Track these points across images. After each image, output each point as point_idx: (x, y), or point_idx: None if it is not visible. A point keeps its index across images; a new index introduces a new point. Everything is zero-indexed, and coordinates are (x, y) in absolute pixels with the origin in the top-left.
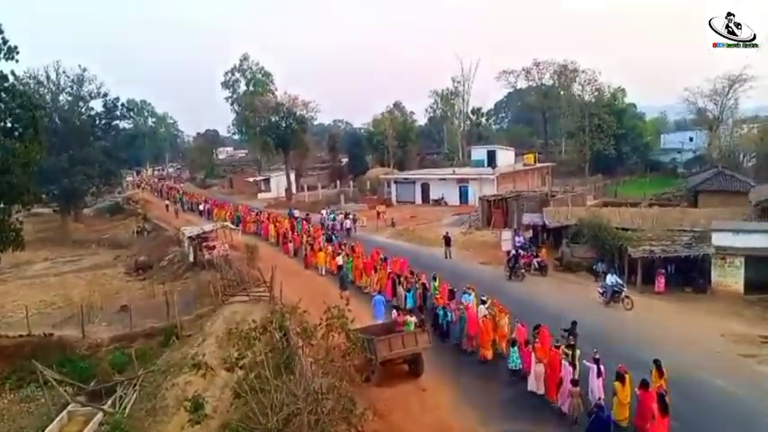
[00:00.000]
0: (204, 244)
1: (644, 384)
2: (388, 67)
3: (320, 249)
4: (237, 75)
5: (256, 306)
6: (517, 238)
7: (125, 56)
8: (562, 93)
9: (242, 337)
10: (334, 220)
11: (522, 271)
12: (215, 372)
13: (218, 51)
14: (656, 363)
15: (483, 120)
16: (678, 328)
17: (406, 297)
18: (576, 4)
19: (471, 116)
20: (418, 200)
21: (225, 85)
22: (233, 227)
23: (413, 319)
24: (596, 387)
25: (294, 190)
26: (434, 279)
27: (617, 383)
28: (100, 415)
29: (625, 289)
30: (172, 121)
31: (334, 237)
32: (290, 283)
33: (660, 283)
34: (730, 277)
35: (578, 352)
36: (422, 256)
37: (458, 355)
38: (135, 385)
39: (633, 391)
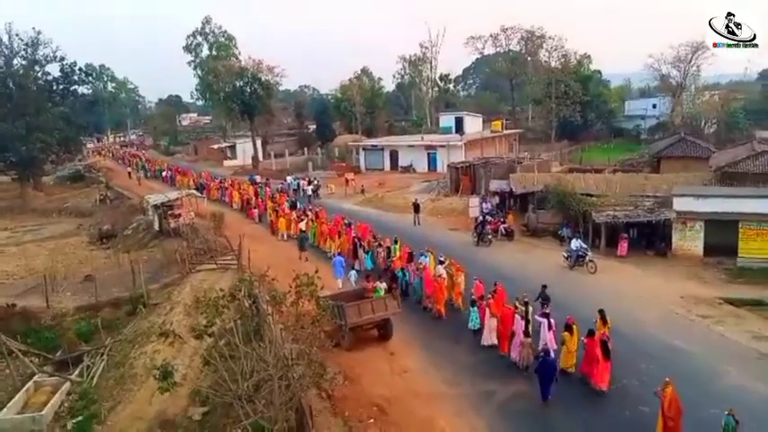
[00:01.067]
0: (169, 212)
1: (590, 333)
2: (355, 31)
3: (282, 216)
4: (200, 38)
5: (224, 274)
6: (485, 205)
7: (82, 19)
8: (529, 59)
9: (210, 305)
10: (298, 186)
11: (490, 237)
12: (183, 340)
13: (180, 13)
14: (601, 312)
15: (451, 86)
16: (639, 290)
17: (365, 259)
18: None
19: (439, 82)
20: (387, 167)
21: (187, 48)
22: (198, 195)
23: (382, 285)
24: (548, 339)
25: (261, 157)
26: (395, 243)
27: (566, 333)
28: (67, 384)
29: (589, 253)
30: (133, 87)
31: (298, 203)
32: (257, 249)
33: (623, 247)
34: (690, 241)
35: (530, 308)
36: (391, 222)
37: (425, 319)
38: (102, 354)
39: (580, 340)
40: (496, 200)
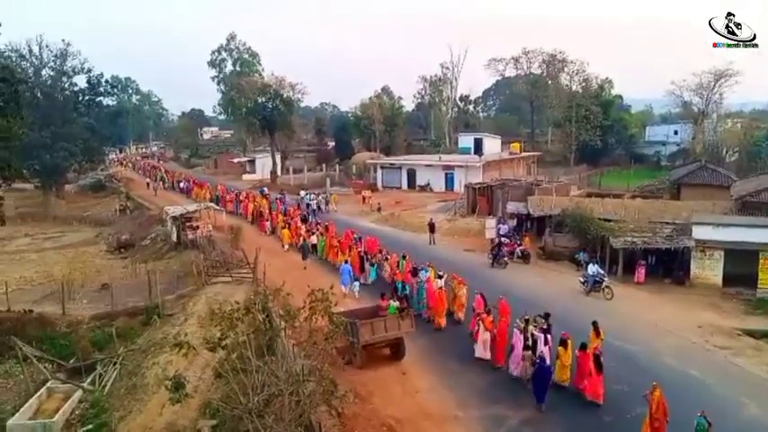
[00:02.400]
0: (188, 224)
1: (583, 347)
2: (377, 51)
3: (288, 227)
4: (224, 54)
5: (239, 287)
6: (501, 226)
7: (110, 32)
8: (550, 82)
9: (225, 318)
10: (310, 200)
11: (506, 259)
12: (197, 351)
13: (206, 30)
14: (594, 324)
15: (471, 107)
16: (656, 318)
17: (370, 272)
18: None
19: (459, 103)
20: (404, 185)
21: (211, 64)
22: (217, 207)
23: (396, 303)
24: (545, 353)
25: (279, 172)
26: (404, 258)
27: (560, 348)
28: (79, 392)
29: (606, 279)
30: (156, 99)
31: (310, 216)
32: (271, 263)
33: (640, 273)
34: (709, 270)
35: (531, 327)
36: (406, 241)
37: (437, 338)
38: (115, 363)
39: (575, 354)
40: (513, 222)
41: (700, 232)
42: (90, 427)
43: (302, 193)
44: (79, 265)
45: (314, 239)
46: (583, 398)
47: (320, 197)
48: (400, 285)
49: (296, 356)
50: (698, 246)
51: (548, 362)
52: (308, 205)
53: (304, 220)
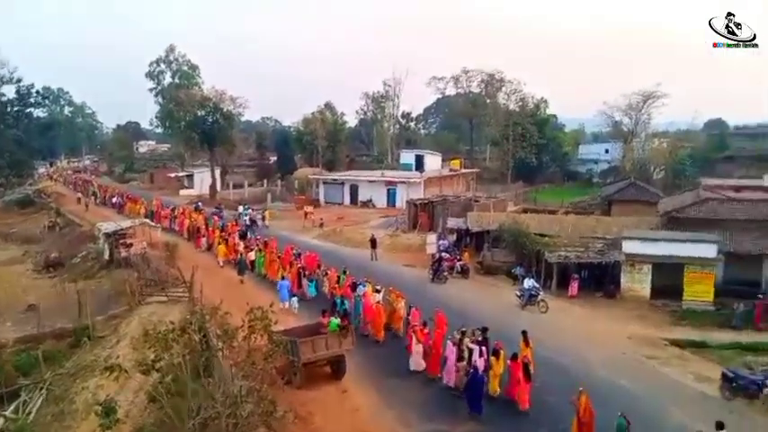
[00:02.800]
0: (121, 241)
1: (514, 357)
2: (319, 67)
3: (224, 243)
4: (163, 66)
5: (175, 307)
6: (441, 242)
7: (42, 43)
8: (488, 101)
9: (159, 339)
10: (246, 215)
11: (446, 274)
12: (129, 374)
13: (143, 42)
14: (524, 333)
15: (412, 124)
16: (588, 330)
17: (308, 287)
18: (508, 21)
19: (401, 120)
20: (347, 201)
21: (149, 76)
22: (152, 224)
23: (337, 320)
24: (479, 364)
25: (219, 187)
26: (344, 273)
27: (492, 358)
28: (1, 421)
29: (541, 293)
30: (90, 111)
31: (249, 232)
32: (208, 281)
33: (574, 287)
34: (638, 283)
35: (466, 339)
36: (348, 257)
37: (377, 354)
38: (41, 389)
39: (506, 364)
40: (453, 237)
41: (629, 247)
42: None
43: (240, 208)
44: (4, 285)
45: (252, 256)
46: (516, 408)
47: (256, 213)
48: (339, 300)
49: (234, 377)
50: (627, 260)
51: (480, 372)
52: (245, 221)
53: (243, 236)
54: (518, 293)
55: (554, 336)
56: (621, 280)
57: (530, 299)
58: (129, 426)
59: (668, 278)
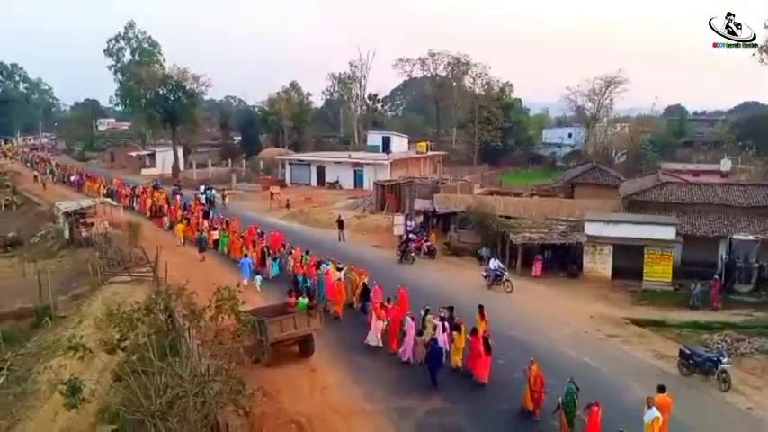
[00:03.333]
0: (82, 220)
1: (474, 331)
2: (286, 46)
3: (185, 222)
4: (122, 42)
5: (139, 287)
6: (409, 223)
7: None
8: (455, 84)
9: (124, 318)
10: (211, 196)
11: (413, 254)
12: (93, 354)
13: (102, 17)
14: (480, 307)
15: (379, 106)
16: (552, 309)
17: (272, 266)
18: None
19: (368, 101)
20: (313, 182)
21: (108, 52)
22: (113, 203)
23: (304, 300)
24: (442, 339)
25: (182, 167)
26: (307, 253)
27: (455, 333)
28: None
29: (506, 273)
30: (47, 88)
31: (211, 212)
32: (172, 260)
33: (538, 267)
34: (600, 263)
35: (429, 316)
36: (315, 238)
37: (344, 332)
38: (2, 369)
39: (467, 338)
40: (420, 219)
41: (591, 229)
42: None
43: (202, 187)
44: None
45: (215, 235)
46: (479, 384)
47: (213, 192)
48: (302, 278)
49: (201, 356)
50: (589, 241)
51: (440, 345)
52: (206, 200)
53: (206, 215)
54: (484, 274)
55: (519, 314)
56: (584, 261)
57: (495, 279)
58: (95, 405)
59: (629, 259)
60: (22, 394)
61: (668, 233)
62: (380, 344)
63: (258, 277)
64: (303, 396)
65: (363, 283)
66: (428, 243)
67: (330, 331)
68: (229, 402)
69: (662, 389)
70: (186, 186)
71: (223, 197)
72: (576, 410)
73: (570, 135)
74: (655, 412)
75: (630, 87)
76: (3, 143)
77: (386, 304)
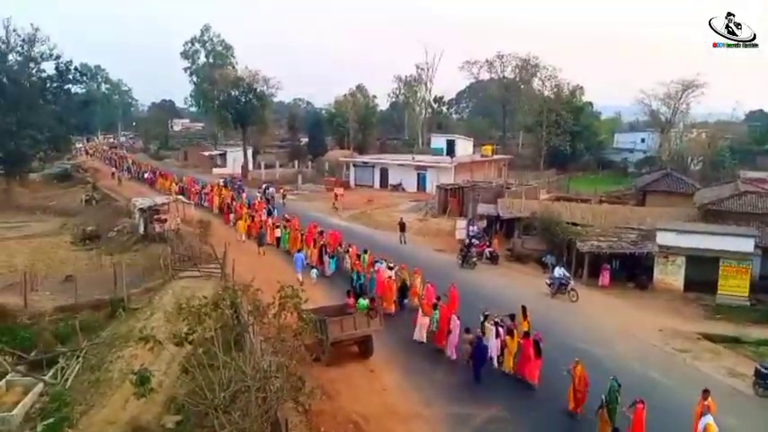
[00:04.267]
0: (156, 216)
1: (526, 335)
2: (353, 48)
3: (249, 219)
4: (197, 45)
5: (207, 282)
6: (471, 228)
7: (81, 19)
8: (522, 87)
9: (192, 312)
10: (270, 195)
11: (474, 259)
12: (163, 346)
13: (179, 20)
14: (523, 308)
15: (444, 108)
16: (619, 321)
17: (329, 264)
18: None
19: (433, 104)
20: (376, 184)
21: (184, 55)
22: (186, 201)
23: (365, 302)
24: (493, 344)
25: (251, 167)
26: (365, 252)
27: (507, 337)
28: (40, 386)
29: (572, 281)
30: (126, 89)
31: (274, 211)
32: (239, 258)
33: (605, 277)
34: (671, 275)
35: (488, 322)
36: (377, 240)
37: (405, 335)
38: (78, 357)
39: (519, 342)
40: (483, 223)
41: (663, 238)
42: (51, 420)
43: (264, 186)
44: (42, 256)
45: (278, 232)
46: (531, 388)
47: (272, 190)
48: (355, 275)
49: (264, 353)
50: (661, 251)
51: (485, 343)
52: (266, 198)
53: (269, 213)
54: (548, 281)
55: (583, 325)
56: (654, 271)
57: (560, 287)
58: (162, 395)
59: (703, 271)
60: (95, 382)
61: (746, 245)
62: (424, 340)
63: (314, 271)
64: (361, 396)
65: (403, 281)
66: (490, 248)
67: (389, 332)
68: (290, 399)
69: (707, 393)
70: (250, 186)
71: (283, 196)
72: (619, 408)
73: (643, 140)
74: (709, 418)
75: (709, 91)
76: (86, 141)
77: (436, 302)
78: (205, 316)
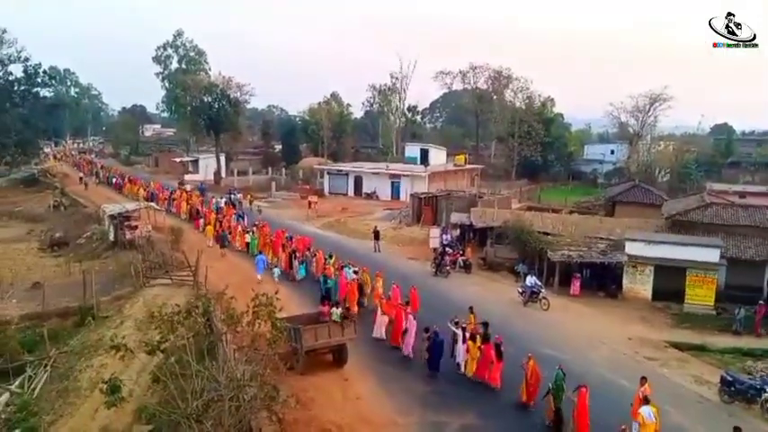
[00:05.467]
0: (126, 223)
1: (485, 339)
2: (327, 57)
3: (218, 224)
4: (170, 50)
5: (179, 290)
6: (445, 236)
7: (49, 21)
8: (495, 98)
9: (165, 321)
10: (235, 199)
11: (448, 268)
12: (134, 354)
13: (151, 25)
14: (470, 309)
15: (418, 118)
16: (589, 329)
17: (298, 269)
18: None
19: (407, 113)
20: (351, 192)
21: (156, 60)
22: (157, 207)
23: (338, 311)
24: (461, 348)
25: (224, 174)
26: (330, 257)
27: (470, 342)
28: (6, 395)
29: (543, 290)
30: (96, 93)
31: (243, 215)
32: (213, 265)
33: (576, 286)
34: (640, 284)
35: (451, 325)
36: (351, 248)
37: (379, 345)
38: (46, 366)
39: (480, 347)
40: (457, 232)
41: (632, 248)
42: (17, 431)
43: (228, 191)
44: (9, 263)
45: (247, 238)
46: (492, 389)
47: (238, 196)
48: (323, 279)
49: (237, 361)
50: (630, 261)
51: (459, 355)
52: (231, 203)
53: (238, 218)
54: (520, 290)
55: (554, 333)
56: (623, 281)
57: (531, 296)
58: (133, 405)
59: (670, 281)
60: (64, 391)
61: (712, 255)
62: (384, 337)
63: (276, 269)
64: (336, 405)
65: (358, 282)
66: (464, 257)
67: (361, 340)
68: (263, 408)
69: (644, 379)
70: (222, 192)
71: (250, 201)
72: (564, 394)
73: (612, 152)
74: (646, 409)
75: (676, 105)
76: (53, 146)
77: (387, 301)
78: (177, 324)
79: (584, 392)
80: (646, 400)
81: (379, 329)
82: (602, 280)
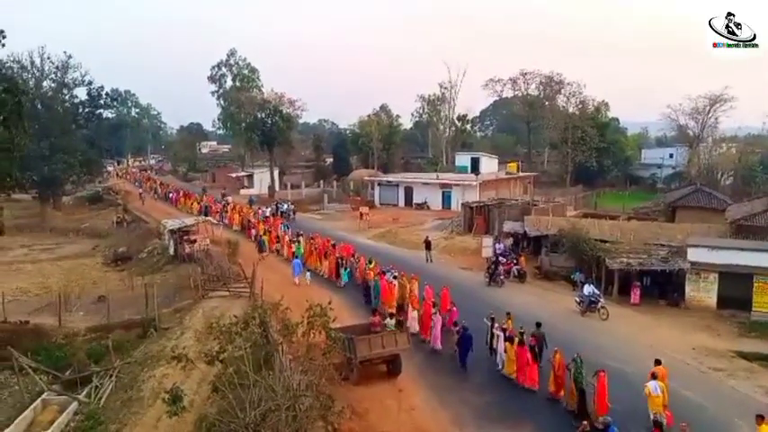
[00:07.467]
0: (185, 237)
1: (520, 342)
2: (376, 69)
3: (267, 234)
4: (224, 69)
5: (236, 301)
6: (498, 245)
7: (111, 45)
8: (547, 104)
9: (223, 332)
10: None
11: (502, 277)
12: (194, 365)
13: (206, 45)
14: (508, 314)
15: (468, 126)
16: (651, 339)
17: (343, 274)
18: (568, 19)
19: (457, 122)
20: (401, 203)
21: (211, 79)
22: (214, 221)
23: (392, 321)
24: (501, 349)
25: (277, 187)
26: (370, 262)
27: (507, 343)
28: (75, 404)
29: (601, 299)
30: (155, 113)
31: (287, 226)
32: (268, 277)
33: (636, 295)
34: (704, 292)
35: (496, 325)
36: (403, 258)
37: (434, 355)
38: (111, 376)
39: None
40: (510, 241)
41: (695, 255)
42: None
43: (276, 203)
44: (76, 277)
45: (293, 247)
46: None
47: (290, 206)
48: (373, 283)
49: (293, 371)
50: (693, 268)
51: (470, 333)
52: (281, 213)
53: (286, 228)
54: (577, 299)
55: (614, 343)
56: (686, 289)
57: (589, 305)
58: (194, 414)
59: (736, 288)
60: (128, 401)
61: None
62: (416, 330)
63: (308, 273)
64: (391, 416)
65: (375, 279)
66: (518, 266)
67: (415, 349)
68: (319, 418)
69: (658, 361)
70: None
71: (294, 212)
72: (585, 379)
73: (671, 155)
74: (652, 383)
75: (738, 105)
76: (116, 164)
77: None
78: (235, 335)
79: (603, 376)
80: (653, 376)
81: (413, 323)
82: (664, 288)
